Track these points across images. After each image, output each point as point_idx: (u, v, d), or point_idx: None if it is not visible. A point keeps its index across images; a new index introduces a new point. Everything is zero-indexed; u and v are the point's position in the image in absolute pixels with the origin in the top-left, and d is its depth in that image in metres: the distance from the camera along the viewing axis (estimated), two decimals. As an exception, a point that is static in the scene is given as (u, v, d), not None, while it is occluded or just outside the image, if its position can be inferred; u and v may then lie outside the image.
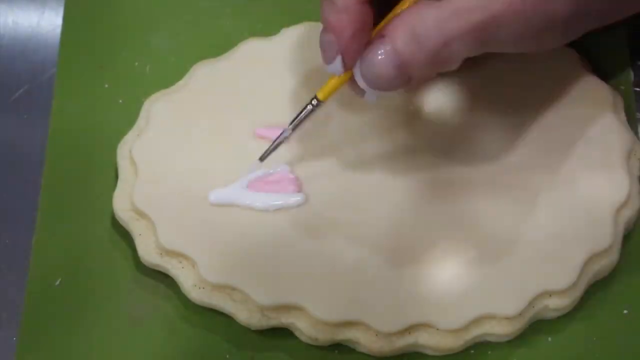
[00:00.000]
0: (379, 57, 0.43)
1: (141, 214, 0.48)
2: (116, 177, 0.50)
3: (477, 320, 0.46)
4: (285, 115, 0.50)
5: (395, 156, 0.49)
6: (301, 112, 0.47)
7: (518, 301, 0.46)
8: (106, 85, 0.53)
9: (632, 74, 0.53)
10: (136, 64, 0.54)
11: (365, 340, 0.46)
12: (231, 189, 0.49)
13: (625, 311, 0.47)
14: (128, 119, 0.52)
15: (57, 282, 0.48)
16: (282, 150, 0.49)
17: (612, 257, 0.47)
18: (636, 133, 0.51)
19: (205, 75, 0.52)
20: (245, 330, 0.47)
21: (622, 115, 0.51)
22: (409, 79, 0.44)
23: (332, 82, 0.46)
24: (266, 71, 0.52)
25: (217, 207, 0.48)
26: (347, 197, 0.48)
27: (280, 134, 0.48)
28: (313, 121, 0.48)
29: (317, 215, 0.48)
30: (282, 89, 0.51)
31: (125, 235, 0.49)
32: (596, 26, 0.46)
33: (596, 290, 0.48)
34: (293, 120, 0.47)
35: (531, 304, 0.46)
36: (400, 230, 0.48)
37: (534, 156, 0.49)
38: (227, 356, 0.47)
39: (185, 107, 0.51)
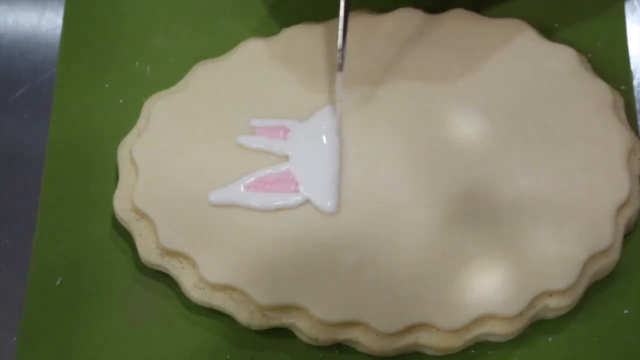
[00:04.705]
0: None
1: (141, 214, 0.48)
2: (116, 177, 0.50)
3: (477, 320, 0.46)
4: (285, 115, 0.50)
5: (397, 157, 0.49)
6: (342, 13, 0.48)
7: (518, 301, 0.46)
8: (106, 85, 0.53)
9: (632, 74, 0.53)
10: (136, 64, 0.54)
11: (365, 340, 0.46)
12: (231, 189, 0.49)
13: (625, 311, 0.48)
14: (128, 119, 0.52)
15: (58, 282, 0.48)
16: (281, 150, 0.49)
17: (613, 257, 0.47)
18: (636, 133, 0.51)
19: (205, 76, 0.52)
20: (246, 330, 0.47)
21: (622, 114, 0.51)
22: None
23: None
24: (266, 71, 0.52)
25: (217, 207, 0.48)
26: (347, 197, 0.48)
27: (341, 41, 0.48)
28: (315, 116, 0.49)
29: (318, 215, 0.48)
30: (282, 89, 0.51)
31: (125, 235, 0.49)
32: None
33: (596, 290, 0.48)
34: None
35: (531, 304, 0.46)
36: (400, 231, 0.48)
37: (534, 156, 0.49)
38: (227, 356, 0.47)
39: (185, 107, 0.51)
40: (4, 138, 0.53)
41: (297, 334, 0.47)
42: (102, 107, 0.53)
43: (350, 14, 0.53)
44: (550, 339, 0.47)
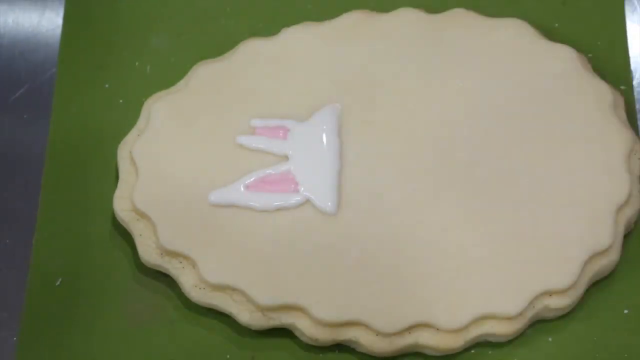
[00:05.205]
0: None
1: (141, 215, 0.48)
2: (116, 177, 0.50)
3: (478, 320, 0.46)
4: (285, 115, 0.50)
5: (397, 157, 0.49)
6: None
7: (518, 301, 0.46)
8: (106, 85, 0.53)
9: (632, 74, 0.53)
10: (136, 64, 0.54)
11: (365, 340, 0.46)
12: (231, 189, 0.49)
13: (625, 311, 0.48)
14: (128, 119, 0.52)
15: (58, 282, 0.48)
16: (281, 150, 0.49)
17: (613, 257, 0.47)
18: (636, 132, 0.51)
19: (205, 75, 0.52)
20: (246, 330, 0.47)
21: (623, 114, 0.51)
22: None
23: None
24: (266, 71, 0.52)
25: (217, 207, 0.48)
26: (346, 197, 0.48)
27: None
28: (315, 116, 0.49)
29: (317, 215, 0.48)
30: (282, 89, 0.51)
31: (125, 235, 0.49)
32: None
33: (596, 290, 0.48)
34: None
35: (531, 303, 0.46)
36: (400, 230, 0.48)
37: (534, 156, 0.49)
38: (228, 356, 0.47)
39: (185, 107, 0.51)
40: (4, 138, 0.53)
41: (297, 334, 0.47)
42: (102, 107, 0.53)
43: (351, 14, 0.53)
44: (550, 339, 0.47)
